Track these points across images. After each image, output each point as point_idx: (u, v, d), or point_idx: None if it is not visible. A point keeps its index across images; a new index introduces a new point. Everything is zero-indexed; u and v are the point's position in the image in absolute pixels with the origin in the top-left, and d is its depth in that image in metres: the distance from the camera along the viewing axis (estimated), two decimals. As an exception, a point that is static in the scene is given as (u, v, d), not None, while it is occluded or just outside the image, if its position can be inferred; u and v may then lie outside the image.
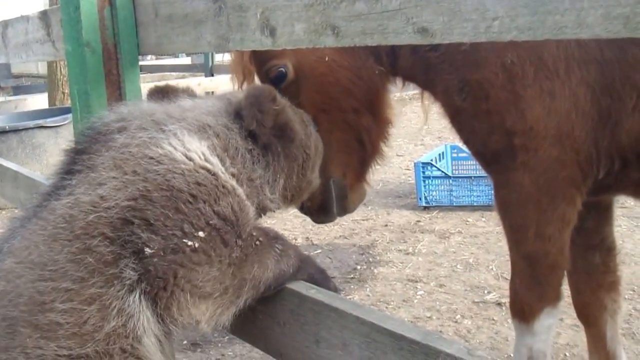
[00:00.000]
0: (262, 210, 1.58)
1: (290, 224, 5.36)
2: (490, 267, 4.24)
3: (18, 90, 14.19)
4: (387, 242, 4.87)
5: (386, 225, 5.25)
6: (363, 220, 5.42)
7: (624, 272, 3.85)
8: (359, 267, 4.43)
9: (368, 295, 3.95)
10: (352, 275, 4.30)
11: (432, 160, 5.75)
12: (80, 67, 2.03)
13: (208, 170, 1.39)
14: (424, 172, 5.52)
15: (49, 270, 1.23)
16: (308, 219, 5.29)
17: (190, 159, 1.38)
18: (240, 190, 1.44)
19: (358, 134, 2.22)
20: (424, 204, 5.55)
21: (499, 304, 3.68)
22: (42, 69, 14.28)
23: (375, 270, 4.35)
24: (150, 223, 1.27)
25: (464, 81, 1.96)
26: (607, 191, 2.09)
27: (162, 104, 1.58)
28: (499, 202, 2.05)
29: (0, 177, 3.01)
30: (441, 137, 8.07)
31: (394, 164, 7.19)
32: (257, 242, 1.42)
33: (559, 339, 3.30)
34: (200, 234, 1.30)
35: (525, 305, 2.05)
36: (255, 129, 1.52)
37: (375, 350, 1.23)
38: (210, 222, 1.32)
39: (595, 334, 2.50)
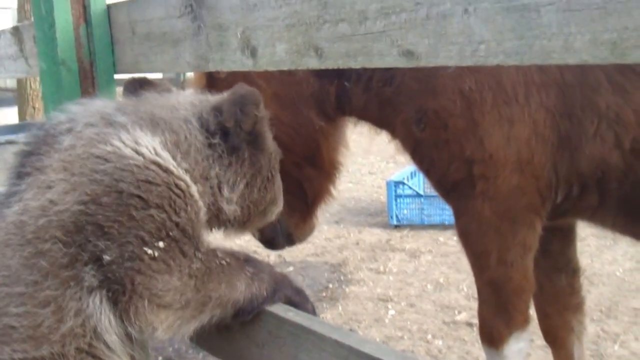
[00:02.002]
0: (217, 212, 1.50)
1: None
2: (461, 286, 4.26)
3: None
4: (359, 261, 4.88)
5: (357, 244, 5.25)
6: (335, 238, 5.43)
7: (592, 293, 3.98)
8: (330, 285, 4.43)
9: (340, 314, 3.95)
10: (324, 294, 4.29)
11: (404, 178, 5.78)
12: (55, 85, 1.99)
13: (159, 166, 1.35)
14: (395, 191, 5.55)
15: (1, 276, 1.22)
16: None
17: (140, 154, 1.35)
18: (194, 188, 1.40)
19: (300, 184, 2.23)
20: (395, 223, 5.58)
21: (469, 324, 3.68)
22: (11, 82, 13.98)
23: (347, 289, 4.35)
24: (104, 230, 1.25)
25: (422, 111, 1.94)
26: (565, 215, 2.09)
27: (117, 100, 1.54)
28: (460, 230, 2.05)
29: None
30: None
31: (366, 182, 7.25)
32: (224, 262, 1.39)
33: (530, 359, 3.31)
34: (160, 244, 1.28)
35: (494, 330, 2.04)
36: (231, 127, 1.48)
37: (354, 374, 1.22)
38: (171, 233, 1.30)
39: (563, 355, 2.51)
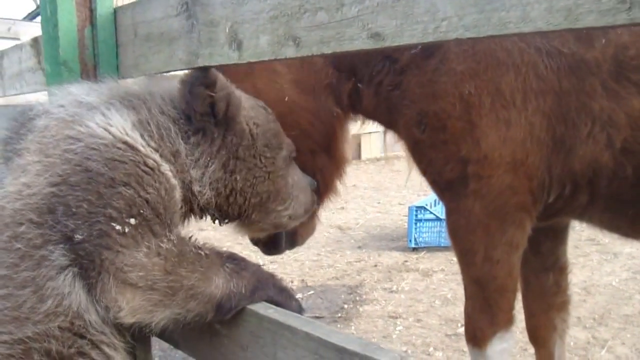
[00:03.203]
0: (191, 194, 1.48)
1: (289, 267, 5.41)
2: (467, 301, 4.27)
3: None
4: (375, 282, 4.88)
5: (375, 266, 5.24)
6: (355, 262, 5.45)
7: (587, 302, 4.07)
8: (346, 306, 4.43)
9: (352, 333, 3.95)
10: (339, 314, 4.29)
11: (427, 204, 5.77)
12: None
13: (127, 144, 1.36)
14: (416, 216, 5.55)
15: None
16: (306, 263, 5.36)
17: (110, 133, 1.36)
18: (165, 167, 1.39)
19: (312, 174, 2.21)
20: (413, 245, 5.56)
21: (467, 335, 3.69)
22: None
23: (361, 309, 4.36)
24: (73, 211, 1.26)
25: (422, 113, 1.96)
26: (556, 215, 2.08)
27: (94, 83, 1.55)
28: (449, 227, 2.05)
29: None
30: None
31: (394, 212, 7.29)
32: (202, 253, 1.38)
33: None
34: (132, 220, 1.28)
35: (478, 329, 2.02)
36: (185, 110, 1.48)
37: (323, 366, 1.20)
38: (141, 210, 1.30)
39: (544, 354, 2.49)
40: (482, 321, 2.00)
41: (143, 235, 1.29)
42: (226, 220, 1.67)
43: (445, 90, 1.90)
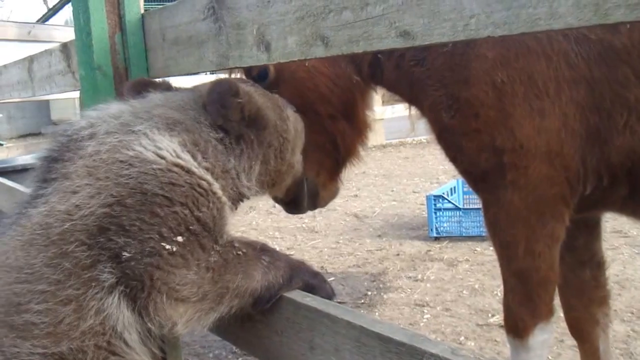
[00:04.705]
0: (239, 197, 1.58)
1: (307, 254, 5.42)
2: (495, 292, 4.24)
3: (57, 135, 14.43)
4: (398, 270, 4.87)
5: (398, 255, 5.24)
6: (377, 250, 5.44)
7: (623, 296, 4.03)
8: (369, 293, 4.44)
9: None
10: (362, 301, 4.30)
11: (444, 193, 5.78)
12: (92, 90, 2.11)
13: (181, 167, 1.40)
14: (435, 205, 5.56)
15: (25, 274, 1.26)
16: (324, 250, 5.38)
17: (162, 157, 1.39)
18: (216, 186, 1.44)
19: (333, 138, 2.26)
20: (434, 235, 5.57)
21: (502, 326, 3.62)
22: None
23: (385, 296, 4.36)
24: (126, 229, 1.28)
25: (453, 98, 1.96)
26: (594, 207, 2.08)
27: (131, 104, 1.58)
28: (489, 220, 2.04)
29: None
30: (455, 176, 8.11)
31: (410, 200, 7.24)
32: (240, 253, 1.42)
33: (560, 359, 3.29)
34: (179, 238, 1.31)
35: (519, 321, 2.03)
36: (223, 124, 1.54)
37: (365, 354, 1.24)
38: (190, 227, 1.34)
39: (588, 349, 2.49)
40: (523, 313, 2.01)
41: (192, 251, 1.33)
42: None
43: (476, 76, 1.90)
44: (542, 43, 1.83)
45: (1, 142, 11.47)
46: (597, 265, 2.41)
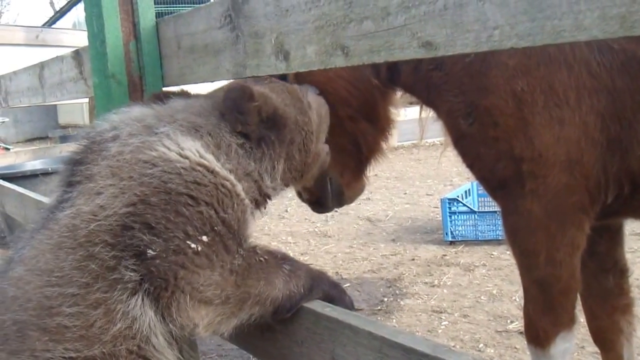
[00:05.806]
0: (264, 199, 1.58)
1: (321, 259, 5.41)
2: (514, 297, 4.20)
3: (65, 139, 14.57)
4: (414, 276, 4.84)
5: (413, 260, 5.22)
6: (391, 255, 5.42)
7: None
8: (385, 299, 4.42)
9: (394, 326, 3.91)
10: (379, 307, 4.28)
11: (458, 196, 5.74)
12: (106, 98, 2.11)
13: (206, 167, 1.40)
14: (450, 208, 5.51)
15: (55, 277, 1.26)
16: (338, 255, 5.36)
17: (186, 157, 1.40)
18: (239, 187, 1.45)
19: (355, 138, 2.26)
20: (450, 239, 5.53)
21: (522, 333, 3.61)
22: (88, 119, 14.73)
23: (402, 302, 4.34)
24: (152, 226, 1.28)
25: (472, 106, 1.95)
26: (616, 214, 2.06)
27: (153, 108, 1.59)
28: (508, 228, 2.03)
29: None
30: (469, 178, 8.06)
31: (423, 203, 7.20)
32: (262, 259, 1.42)
33: (581, 367, 3.26)
34: (204, 238, 1.31)
35: (540, 330, 2.02)
36: (242, 129, 1.54)
37: (388, 365, 1.23)
38: (216, 228, 1.34)
39: (612, 357, 2.46)
40: (545, 322, 2.00)
41: (217, 253, 1.32)
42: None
43: (496, 84, 1.89)
44: (564, 51, 1.82)
45: (8, 147, 11.54)
46: (620, 272, 2.39)
